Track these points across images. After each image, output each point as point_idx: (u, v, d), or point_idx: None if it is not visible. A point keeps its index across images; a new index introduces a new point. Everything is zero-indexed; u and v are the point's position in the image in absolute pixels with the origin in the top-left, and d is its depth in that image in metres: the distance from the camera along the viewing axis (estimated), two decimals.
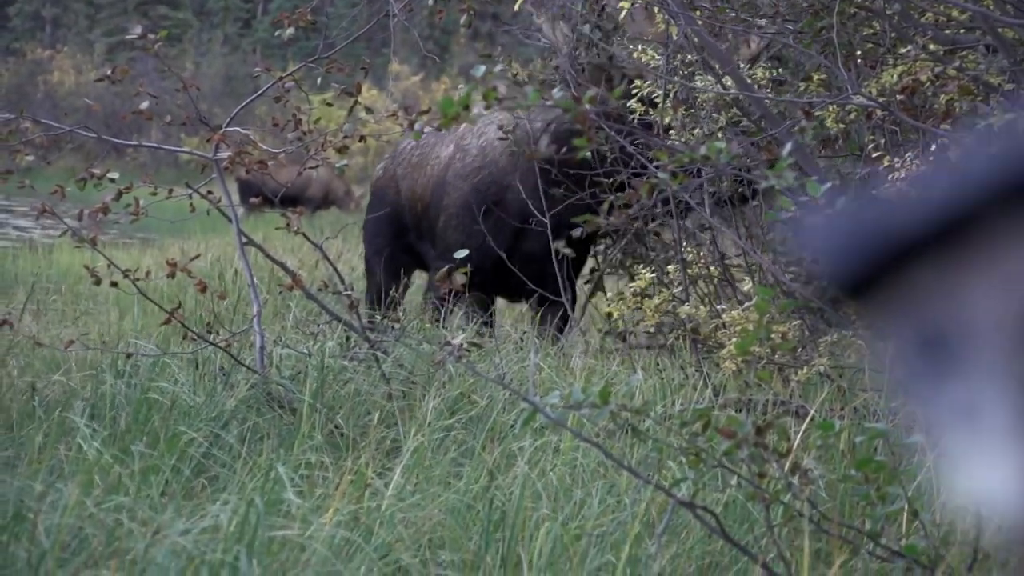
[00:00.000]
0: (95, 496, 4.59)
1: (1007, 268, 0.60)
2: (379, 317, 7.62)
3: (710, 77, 6.80)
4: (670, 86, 7.02)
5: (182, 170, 32.11)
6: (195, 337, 6.54)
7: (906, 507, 4.05)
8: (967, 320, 0.60)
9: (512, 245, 8.60)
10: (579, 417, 4.32)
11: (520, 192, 8.44)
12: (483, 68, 3.97)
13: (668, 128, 7.03)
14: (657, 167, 4.45)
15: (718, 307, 7.27)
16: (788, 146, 3.95)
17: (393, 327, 7.08)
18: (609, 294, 8.29)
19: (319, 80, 7.20)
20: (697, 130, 7.14)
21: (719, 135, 6.86)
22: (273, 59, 49.46)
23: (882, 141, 6.82)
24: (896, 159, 6.25)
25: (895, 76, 6.26)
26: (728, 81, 6.56)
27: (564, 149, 5.41)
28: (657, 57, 7.37)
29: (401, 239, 9.68)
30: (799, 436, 4.55)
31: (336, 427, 5.90)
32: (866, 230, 0.63)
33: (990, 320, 0.59)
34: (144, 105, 6.59)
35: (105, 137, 7.03)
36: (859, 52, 6.64)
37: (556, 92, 4.11)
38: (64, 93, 46.71)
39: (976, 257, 0.61)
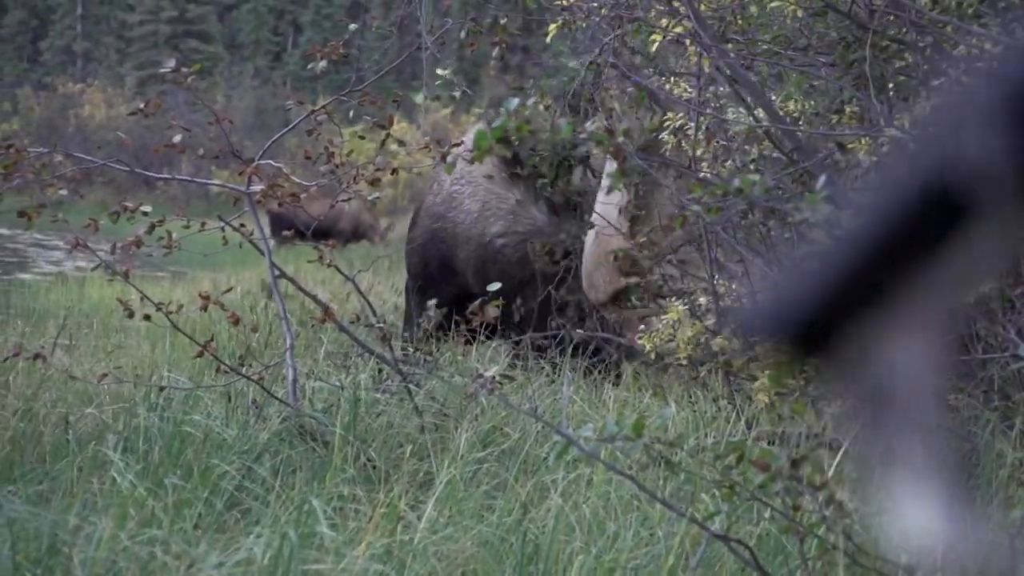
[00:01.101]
0: (129, 529, 4.59)
1: (925, 318, 0.61)
2: (411, 349, 7.63)
3: (742, 109, 6.79)
4: (702, 118, 7.01)
5: (212, 203, 32.18)
6: (228, 370, 6.55)
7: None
8: (895, 370, 0.61)
9: None
10: (612, 450, 4.31)
11: None
12: (516, 101, 3.97)
13: (700, 160, 7.03)
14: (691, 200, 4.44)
15: (751, 339, 7.23)
16: (822, 179, 3.94)
17: (425, 360, 7.09)
18: (641, 327, 8.28)
19: (351, 113, 7.23)
20: (729, 162, 7.13)
21: (751, 167, 6.85)
22: (303, 92, 49.64)
23: None
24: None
25: (928, 108, 6.24)
26: (760, 113, 6.56)
27: None
28: (689, 89, 7.37)
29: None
30: (833, 468, 4.53)
31: (369, 460, 5.89)
32: (802, 286, 0.64)
33: (914, 370, 0.60)
34: (177, 138, 6.62)
35: (137, 170, 7.06)
36: (891, 84, 6.63)
37: (589, 125, 4.12)
38: (95, 127, 46.95)
39: (898, 307, 0.61)
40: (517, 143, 6.15)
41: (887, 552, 4.40)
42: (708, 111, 7.04)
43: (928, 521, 0.59)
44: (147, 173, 7.60)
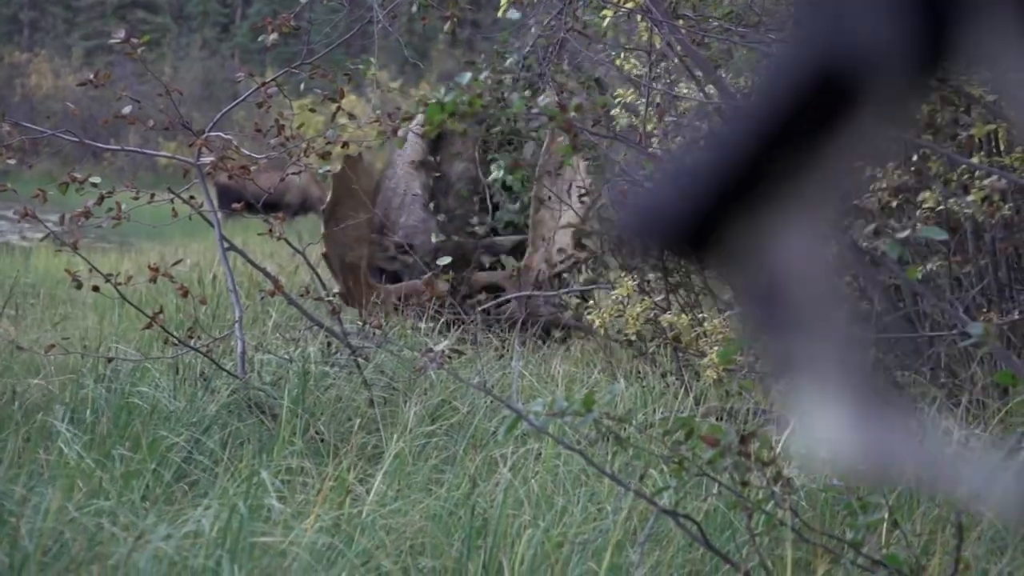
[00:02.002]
0: (76, 500, 4.58)
1: (817, 207, 0.61)
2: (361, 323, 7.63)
3: (692, 85, 6.81)
4: (652, 94, 7.02)
5: (160, 175, 32.02)
6: (176, 342, 6.52)
7: (887, 516, 4.06)
8: (788, 268, 0.60)
9: None
10: (561, 425, 4.33)
11: None
12: (468, 75, 3.97)
13: (650, 136, 7.03)
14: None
15: (699, 315, 7.27)
16: None
17: (374, 333, 7.08)
18: (590, 302, 8.29)
19: (301, 86, 7.20)
20: (679, 138, 7.15)
21: (701, 143, 6.86)
22: (252, 64, 49.33)
23: None
24: (878, 169, 6.26)
25: None
26: (711, 89, 6.57)
27: None
28: (639, 65, 7.37)
29: None
30: (781, 445, 4.55)
31: (317, 433, 5.89)
32: (681, 182, 0.63)
33: (809, 265, 0.60)
34: (127, 110, 6.59)
35: (88, 141, 7.00)
36: None
37: (542, 99, 4.12)
38: (42, 97, 46.52)
39: (786, 197, 0.61)
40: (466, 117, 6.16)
41: (832, 527, 4.44)
42: (659, 87, 7.05)
43: (837, 430, 0.59)
44: (97, 144, 7.56)
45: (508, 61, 7.58)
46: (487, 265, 9.14)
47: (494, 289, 8.96)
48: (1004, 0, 0.59)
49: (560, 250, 8.63)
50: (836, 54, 0.59)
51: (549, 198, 8.40)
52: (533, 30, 7.51)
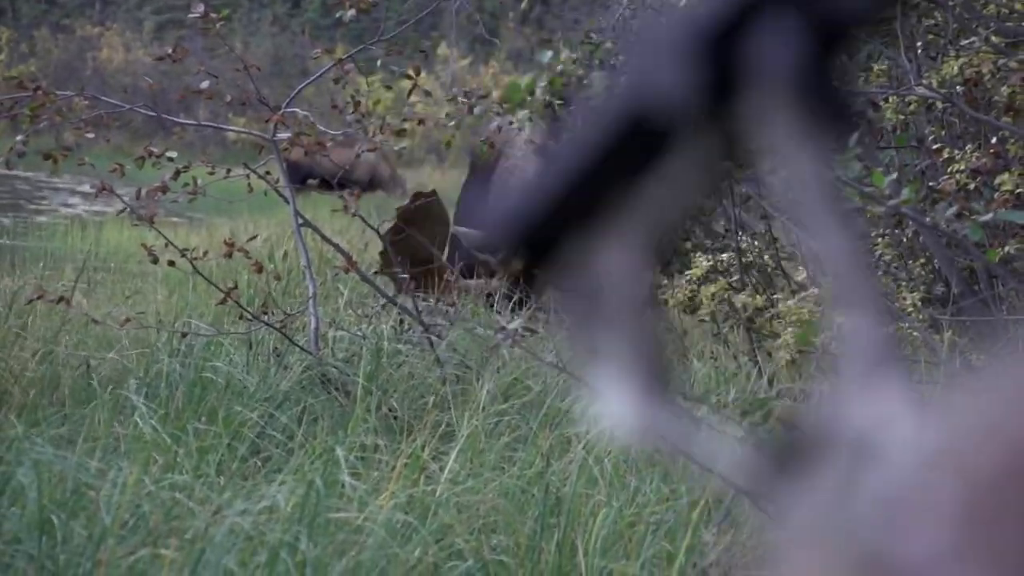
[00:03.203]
0: (152, 474, 4.61)
1: (630, 233, 0.69)
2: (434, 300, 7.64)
3: None
4: None
5: (229, 150, 32.16)
6: (251, 317, 6.55)
7: None
8: (601, 277, 0.70)
9: None
10: None
11: None
12: (549, 54, 3.96)
13: None
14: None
15: (773, 296, 7.24)
16: (854, 136, 3.93)
17: (448, 311, 7.09)
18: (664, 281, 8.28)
19: (378, 62, 7.19)
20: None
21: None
22: (322, 40, 49.40)
23: (942, 133, 6.78)
24: (956, 151, 6.21)
25: (956, 68, 6.21)
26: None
27: None
28: None
29: None
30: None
31: (391, 410, 5.90)
32: (527, 201, 0.73)
33: (618, 277, 0.68)
34: (204, 84, 6.61)
35: (164, 116, 7.04)
36: (920, 43, 6.60)
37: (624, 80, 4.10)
38: (112, 71, 46.80)
39: (607, 223, 0.70)
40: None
41: None
42: None
43: (621, 406, 0.67)
44: (173, 119, 7.58)
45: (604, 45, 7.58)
46: None
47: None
48: (783, 80, 0.67)
49: None
50: (647, 102, 0.67)
51: None
52: (617, 9, 7.49)
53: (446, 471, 4.78)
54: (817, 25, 0.67)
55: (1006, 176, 5.74)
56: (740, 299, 7.09)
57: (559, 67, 3.92)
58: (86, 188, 7.77)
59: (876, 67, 6.88)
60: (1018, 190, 5.75)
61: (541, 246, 0.71)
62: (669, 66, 0.67)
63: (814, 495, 0.63)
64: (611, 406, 0.68)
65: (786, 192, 0.67)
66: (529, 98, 3.87)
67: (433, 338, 6.52)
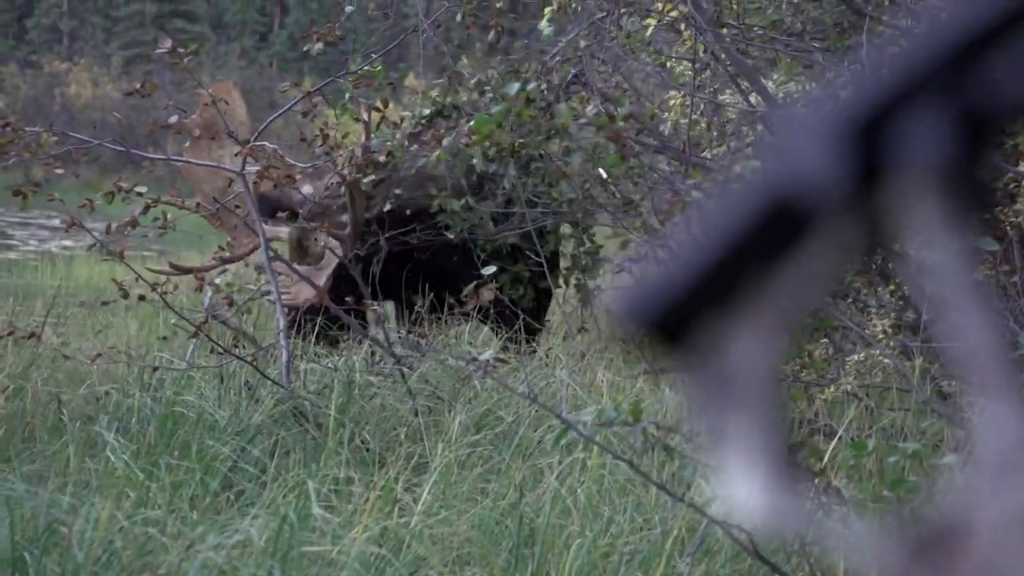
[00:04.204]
0: (125, 510, 4.59)
1: (769, 317, 0.70)
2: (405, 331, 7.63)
3: (737, 94, 6.80)
4: (697, 102, 7.01)
5: None
6: (222, 351, 6.54)
7: None
8: (737, 361, 0.71)
9: None
10: (607, 434, 4.32)
11: None
12: (516, 86, 3.97)
13: (695, 144, 7.03)
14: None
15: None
16: None
17: (419, 342, 7.08)
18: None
19: (347, 95, 7.20)
20: (723, 147, 7.14)
21: (747, 151, 6.85)
22: (290, 72, 49.47)
23: None
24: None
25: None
26: (755, 97, 6.57)
27: None
28: (686, 73, 7.36)
29: None
30: (827, 455, 4.54)
31: (363, 442, 5.90)
32: (668, 278, 0.73)
33: (753, 363, 0.70)
34: (173, 119, 6.62)
35: (134, 151, 7.04)
36: (887, 70, 6.63)
37: (589, 110, 4.12)
38: (81, 106, 46.73)
39: (747, 305, 0.70)
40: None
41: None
42: (703, 95, 7.05)
43: (749, 494, 0.66)
44: (143, 153, 7.59)
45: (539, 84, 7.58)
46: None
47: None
48: (925, 168, 0.68)
49: None
50: (790, 189, 0.69)
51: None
52: (581, 42, 7.50)
53: (419, 503, 4.78)
54: (966, 116, 0.67)
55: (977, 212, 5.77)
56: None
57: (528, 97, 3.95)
58: (55, 223, 7.75)
59: (844, 94, 6.91)
60: (985, 216, 5.78)
61: (679, 327, 0.71)
62: (817, 153, 0.68)
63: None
64: (739, 490, 0.69)
65: (928, 279, 0.68)
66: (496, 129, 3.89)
67: (404, 369, 6.52)
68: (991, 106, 0.68)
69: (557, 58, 7.78)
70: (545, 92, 7.31)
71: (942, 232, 0.68)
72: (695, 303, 0.70)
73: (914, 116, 0.67)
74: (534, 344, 8.26)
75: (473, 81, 7.38)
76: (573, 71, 7.59)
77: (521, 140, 6.81)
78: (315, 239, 6.86)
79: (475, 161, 7.65)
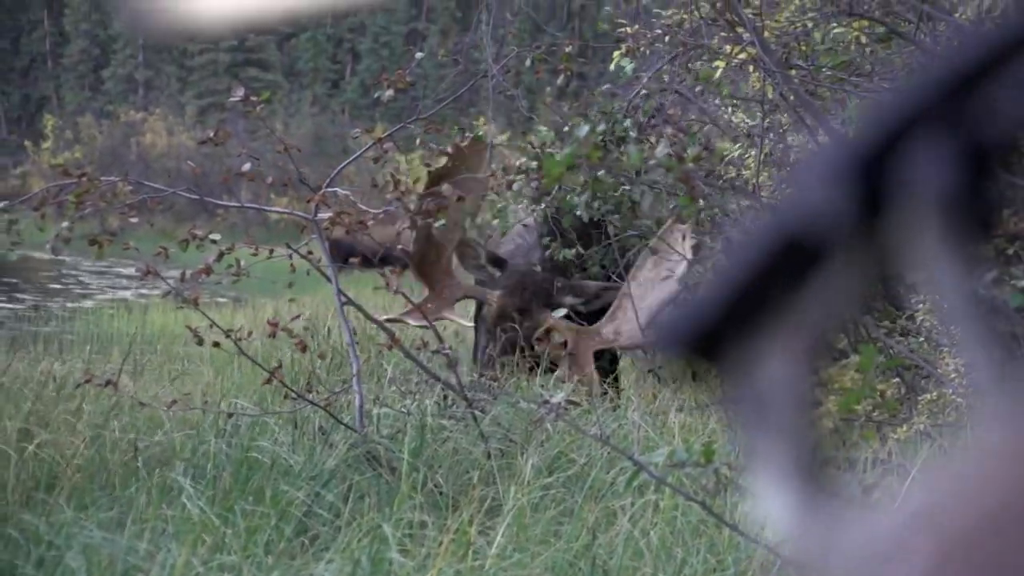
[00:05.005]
0: (201, 555, 4.63)
1: (794, 340, 0.72)
2: (476, 375, 7.66)
3: (805, 135, 6.79)
4: (765, 143, 7.01)
5: (272, 230, 32.27)
6: (295, 396, 6.57)
7: None
8: (768, 382, 0.74)
9: None
10: (679, 475, 4.32)
11: None
12: (586, 128, 4.00)
13: (761, 186, 7.03)
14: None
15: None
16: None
17: (491, 385, 7.10)
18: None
19: (417, 140, 7.25)
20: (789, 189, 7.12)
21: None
22: (362, 119, 49.79)
23: None
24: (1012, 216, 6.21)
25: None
26: (823, 139, 6.56)
27: None
28: (748, 118, 7.38)
29: None
30: (903, 496, 4.52)
31: (436, 486, 5.91)
32: (704, 304, 0.76)
33: (783, 383, 0.73)
34: (247, 167, 6.67)
35: (208, 199, 7.12)
36: None
37: (659, 151, 4.15)
38: (156, 155, 47.26)
39: (774, 330, 0.74)
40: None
41: None
42: (770, 137, 7.05)
43: (781, 511, 0.70)
44: (216, 201, 7.66)
45: (624, 121, 7.60)
46: (567, 307, 8.94)
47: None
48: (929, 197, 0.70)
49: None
50: (805, 222, 0.72)
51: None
52: (645, 81, 7.54)
53: (493, 546, 4.79)
54: (968, 147, 0.70)
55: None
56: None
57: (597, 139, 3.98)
58: (131, 271, 7.84)
59: None
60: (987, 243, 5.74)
61: (709, 351, 0.75)
62: (823, 188, 0.71)
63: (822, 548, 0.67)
64: (771, 507, 0.71)
65: (934, 306, 0.71)
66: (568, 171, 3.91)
67: (477, 413, 6.53)
68: (993, 135, 0.70)
69: (642, 93, 7.81)
70: (617, 132, 7.34)
71: (946, 260, 0.70)
72: (723, 329, 0.73)
73: (916, 148, 0.70)
74: (605, 386, 8.26)
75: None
76: (657, 104, 7.61)
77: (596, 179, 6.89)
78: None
79: (579, 212, 7.73)
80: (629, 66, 7.46)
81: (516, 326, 8.51)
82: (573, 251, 8.22)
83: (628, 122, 7.33)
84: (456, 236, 8.39)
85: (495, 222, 9.06)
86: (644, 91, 7.61)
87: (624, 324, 8.47)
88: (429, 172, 7.83)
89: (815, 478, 0.71)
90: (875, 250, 0.71)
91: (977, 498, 0.63)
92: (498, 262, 8.77)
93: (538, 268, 8.88)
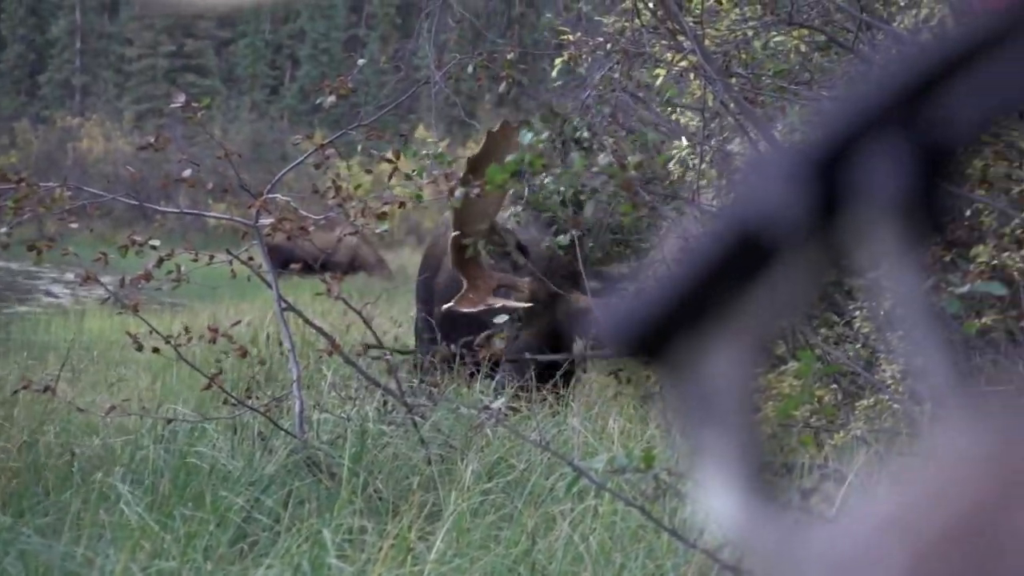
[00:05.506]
0: (140, 561, 4.61)
1: (742, 337, 0.72)
2: (416, 381, 7.65)
3: (746, 142, 6.83)
4: (705, 150, 7.04)
5: (210, 236, 32.20)
6: (235, 402, 6.56)
7: None
8: (713, 378, 0.74)
9: None
10: (618, 481, 4.34)
11: None
12: (529, 135, 4.01)
13: (702, 192, 7.05)
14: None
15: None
16: None
17: (431, 391, 7.10)
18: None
19: (359, 147, 7.25)
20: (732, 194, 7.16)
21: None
22: (300, 125, 49.66)
23: None
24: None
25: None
26: (764, 146, 6.60)
27: None
28: (693, 121, 7.40)
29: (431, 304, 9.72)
30: (838, 500, 4.55)
31: (376, 491, 5.91)
32: (647, 300, 0.77)
33: (729, 380, 0.73)
34: (187, 173, 6.66)
35: (147, 204, 7.09)
36: None
37: (602, 158, 4.16)
38: (93, 160, 46.91)
39: (721, 327, 0.75)
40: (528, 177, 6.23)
41: None
42: (711, 144, 7.08)
43: (725, 507, 0.71)
44: (156, 207, 7.63)
45: (573, 123, 7.61)
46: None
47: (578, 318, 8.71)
48: (886, 205, 0.71)
49: None
50: (756, 221, 0.73)
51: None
52: (585, 95, 7.56)
53: (433, 551, 4.79)
54: (922, 147, 0.71)
55: (981, 248, 5.79)
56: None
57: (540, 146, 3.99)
58: (68, 277, 7.80)
59: None
60: (993, 262, 5.80)
61: (656, 347, 0.75)
62: (776, 190, 0.72)
63: (777, 557, 0.68)
64: (716, 505, 0.72)
65: (886, 305, 0.72)
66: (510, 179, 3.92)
67: (417, 419, 6.53)
68: (945, 139, 0.71)
69: (593, 94, 7.82)
70: (567, 132, 7.34)
71: (899, 263, 0.71)
72: (671, 324, 0.74)
73: (870, 149, 0.71)
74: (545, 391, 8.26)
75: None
76: (611, 105, 7.63)
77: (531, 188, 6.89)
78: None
79: (510, 226, 7.78)
80: (558, 70, 7.47)
81: (549, 312, 8.46)
82: (567, 236, 8.20)
83: (578, 121, 7.35)
84: (484, 227, 8.30)
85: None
86: (595, 91, 7.63)
87: None
88: (468, 159, 7.80)
89: (759, 479, 0.72)
90: (827, 253, 0.72)
91: (947, 504, 0.63)
92: (522, 250, 8.69)
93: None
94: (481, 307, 8.00)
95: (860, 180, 0.71)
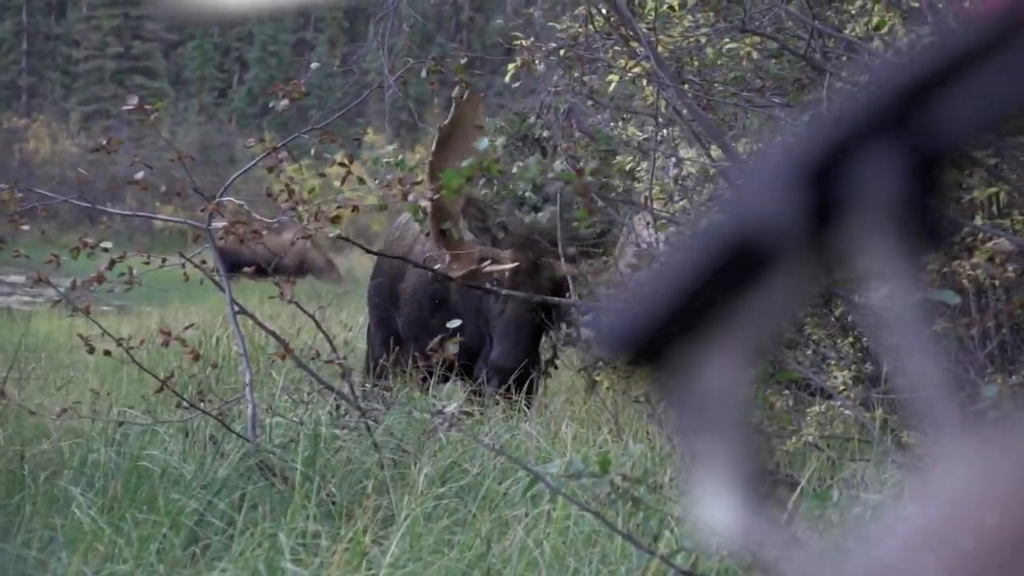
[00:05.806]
0: (93, 564, 4.60)
1: (737, 344, 0.74)
2: (369, 385, 7.64)
3: (695, 150, 6.87)
4: (657, 157, 7.07)
5: (156, 238, 32.10)
6: (187, 406, 6.53)
7: None
8: (708, 385, 0.75)
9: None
10: (572, 486, 4.35)
11: None
12: (485, 140, 4.02)
13: (653, 199, 7.07)
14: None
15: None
16: None
17: (384, 395, 7.10)
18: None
19: (312, 151, 7.23)
20: (683, 202, 7.20)
21: (703, 206, 6.92)
22: (249, 128, 49.59)
23: None
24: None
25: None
26: (716, 152, 6.63)
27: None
28: (639, 132, 7.43)
29: (390, 308, 9.70)
30: (790, 506, 4.58)
31: (329, 496, 5.90)
32: (641, 306, 0.77)
33: (724, 386, 0.75)
34: (139, 175, 6.63)
35: (99, 207, 7.06)
36: None
37: (557, 164, 4.18)
38: (40, 161, 46.68)
39: (716, 333, 0.74)
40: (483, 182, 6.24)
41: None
42: (661, 151, 7.10)
43: (722, 513, 0.71)
44: (106, 209, 7.60)
45: (529, 121, 7.63)
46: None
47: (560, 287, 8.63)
48: (880, 214, 0.72)
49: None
50: (751, 227, 0.70)
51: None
52: (542, 96, 7.58)
53: (387, 555, 4.79)
54: (916, 154, 0.72)
55: (933, 256, 5.84)
56: None
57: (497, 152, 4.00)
58: (14, 279, 7.76)
59: None
60: (944, 270, 5.85)
61: (651, 352, 0.75)
62: (772, 196, 0.72)
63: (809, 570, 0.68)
64: (712, 510, 0.72)
65: (880, 312, 0.71)
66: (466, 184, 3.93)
67: (370, 423, 6.53)
68: (937, 147, 0.72)
69: (552, 92, 7.84)
70: (523, 128, 7.35)
71: (894, 271, 0.71)
72: (666, 331, 0.74)
73: (865, 158, 0.72)
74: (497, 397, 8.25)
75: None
76: (568, 105, 7.66)
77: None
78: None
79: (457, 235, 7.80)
80: (510, 75, 7.47)
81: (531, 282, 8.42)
82: (543, 214, 8.17)
83: (534, 119, 7.36)
84: (461, 202, 8.26)
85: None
86: (553, 89, 7.65)
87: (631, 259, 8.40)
88: (438, 128, 7.77)
89: (754, 483, 0.73)
90: (821, 259, 0.72)
91: (978, 516, 0.64)
92: (501, 223, 8.65)
93: None
94: (468, 272, 7.99)
95: (855, 187, 0.71)
